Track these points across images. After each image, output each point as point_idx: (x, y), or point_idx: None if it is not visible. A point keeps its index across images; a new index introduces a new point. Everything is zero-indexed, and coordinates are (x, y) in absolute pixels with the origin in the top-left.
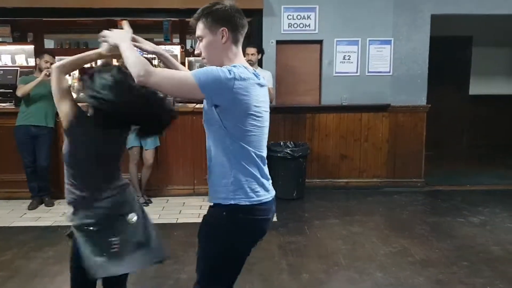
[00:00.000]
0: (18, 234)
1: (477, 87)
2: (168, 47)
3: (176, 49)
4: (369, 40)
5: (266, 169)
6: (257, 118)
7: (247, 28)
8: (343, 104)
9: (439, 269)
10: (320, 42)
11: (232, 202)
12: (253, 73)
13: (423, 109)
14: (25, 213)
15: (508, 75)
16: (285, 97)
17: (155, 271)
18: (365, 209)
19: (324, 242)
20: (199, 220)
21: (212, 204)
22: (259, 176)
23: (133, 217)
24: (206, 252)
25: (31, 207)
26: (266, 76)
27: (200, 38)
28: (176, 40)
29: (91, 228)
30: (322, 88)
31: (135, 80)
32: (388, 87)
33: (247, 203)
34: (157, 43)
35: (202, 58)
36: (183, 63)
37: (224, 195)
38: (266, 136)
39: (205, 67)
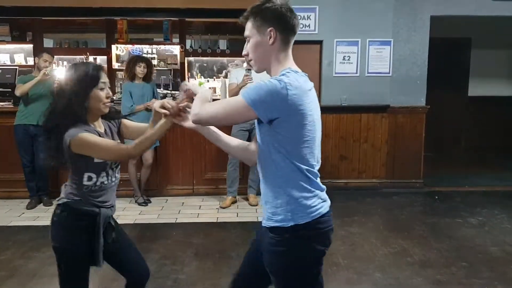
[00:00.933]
0: (17, 233)
1: (476, 89)
2: (167, 47)
3: (176, 49)
4: (369, 41)
5: (319, 180)
6: (311, 129)
7: (299, 27)
8: (343, 104)
9: (438, 270)
10: (320, 42)
11: (292, 223)
12: (305, 76)
13: (422, 110)
14: (24, 213)
15: (506, 77)
16: None
17: (154, 272)
18: (364, 209)
19: None
20: (198, 220)
21: (268, 226)
22: (313, 189)
23: None
24: (286, 282)
25: (30, 207)
26: (267, 76)
27: (248, 38)
28: (176, 40)
29: None
30: (321, 89)
31: (192, 119)
32: (387, 88)
33: (308, 220)
34: (157, 43)
35: (249, 60)
36: (182, 63)
37: (282, 217)
38: (319, 145)
39: (253, 85)
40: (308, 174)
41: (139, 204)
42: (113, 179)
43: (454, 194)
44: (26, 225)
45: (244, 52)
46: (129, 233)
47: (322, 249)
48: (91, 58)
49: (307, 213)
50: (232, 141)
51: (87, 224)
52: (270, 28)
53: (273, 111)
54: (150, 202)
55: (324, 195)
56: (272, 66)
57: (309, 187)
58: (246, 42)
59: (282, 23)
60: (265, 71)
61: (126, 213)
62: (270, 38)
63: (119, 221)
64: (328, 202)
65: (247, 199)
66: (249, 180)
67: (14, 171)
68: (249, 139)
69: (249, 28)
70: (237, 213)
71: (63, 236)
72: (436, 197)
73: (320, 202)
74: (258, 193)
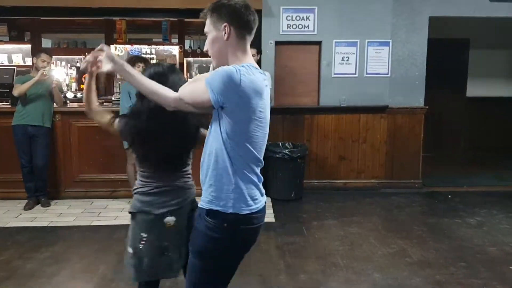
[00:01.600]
0: (15, 234)
1: (474, 89)
2: (166, 47)
3: (175, 49)
4: (368, 42)
5: (260, 178)
6: (260, 124)
7: (256, 24)
8: (342, 105)
9: (437, 270)
10: (319, 43)
11: (231, 210)
12: (263, 74)
13: (421, 111)
14: (21, 214)
15: (505, 78)
16: (283, 98)
17: None
18: (363, 210)
19: (322, 242)
20: None
21: (205, 207)
22: (257, 181)
23: (170, 220)
24: (202, 266)
25: (27, 208)
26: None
27: (206, 34)
28: (175, 40)
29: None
30: (320, 89)
31: (170, 106)
32: (386, 89)
33: (247, 212)
34: (156, 43)
35: (209, 56)
36: (181, 63)
37: (224, 202)
38: (265, 141)
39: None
40: (255, 167)
41: None
42: None
43: (453, 194)
44: (24, 226)
45: (205, 48)
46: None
47: (248, 245)
48: None
49: (248, 205)
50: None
51: None
52: (224, 24)
53: (224, 95)
54: None
55: (262, 188)
56: (230, 61)
57: (255, 180)
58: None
59: (237, 19)
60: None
61: (125, 213)
62: (224, 33)
63: (118, 222)
64: (265, 196)
65: None
66: None
67: (12, 171)
68: None
69: (207, 24)
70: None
71: None
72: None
73: (260, 196)
74: None
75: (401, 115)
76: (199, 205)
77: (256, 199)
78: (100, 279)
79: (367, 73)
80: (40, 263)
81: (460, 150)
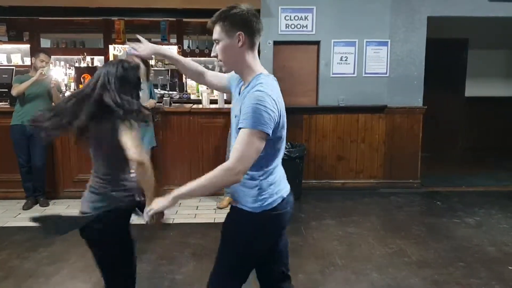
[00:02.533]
0: (13, 234)
1: (472, 89)
2: (165, 47)
3: (174, 49)
4: (366, 42)
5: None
6: (283, 128)
7: (263, 31)
8: (340, 105)
9: (435, 270)
10: (317, 43)
11: (259, 204)
12: (275, 79)
13: (420, 111)
14: (20, 213)
15: (503, 77)
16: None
17: (151, 272)
18: (362, 210)
19: (321, 242)
20: (195, 220)
21: (237, 206)
22: (280, 176)
23: None
24: (233, 248)
25: (26, 207)
26: None
27: (217, 41)
28: (174, 40)
29: None
30: (319, 89)
31: (233, 179)
32: (384, 89)
33: (274, 205)
34: (155, 43)
35: (219, 61)
36: None
37: (251, 199)
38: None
39: (250, 109)
40: (279, 164)
41: None
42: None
43: (452, 194)
44: (22, 226)
45: (213, 54)
46: None
47: (275, 233)
48: (88, 58)
49: (273, 197)
50: (189, 65)
51: None
52: (239, 32)
53: (273, 122)
54: None
55: (285, 178)
56: (244, 68)
57: (277, 177)
58: (215, 45)
59: (249, 28)
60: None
61: None
62: (239, 41)
63: None
64: (288, 185)
65: None
66: None
67: (11, 171)
68: None
69: (218, 32)
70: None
71: None
72: (435, 201)
73: (284, 185)
74: None
75: (399, 115)
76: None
77: (280, 191)
78: (98, 279)
79: (365, 73)
80: (38, 262)
81: (458, 150)
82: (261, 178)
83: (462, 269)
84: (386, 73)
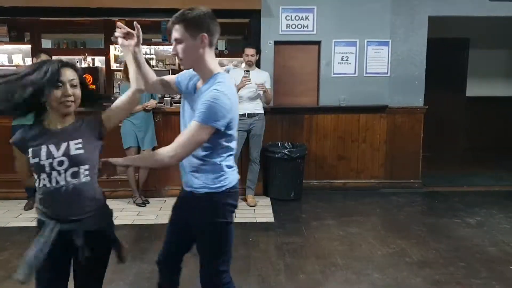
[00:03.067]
0: (14, 234)
1: (474, 89)
2: (166, 47)
3: None
4: (367, 41)
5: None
6: (234, 129)
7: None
8: (341, 105)
9: (436, 270)
10: (318, 43)
11: (218, 185)
12: (231, 78)
13: (421, 111)
14: (21, 214)
15: (504, 77)
16: (282, 98)
17: (151, 272)
18: (363, 210)
19: (322, 243)
20: None
21: (198, 192)
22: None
23: None
24: (216, 237)
25: (27, 208)
26: (264, 77)
27: (178, 41)
28: None
29: None
30: (320, 89)
31: (166, 163)
32: (386, 88)
33: (231, 185)
34: (155, 44)
35: (180, 60)
36: None
37: (212, 183)
38: None
39: (205, 105)
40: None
41: (137, 205)
42: (62, 183)
43: (452, 194)
44: (23, 226)
45: (172, 52)
46: (127, 234)
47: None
48: (89, 59)
49: (230, 180)
50: (150, 75)
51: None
52: (202, 34)
53: (228, 120)
54: (149, 202)
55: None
56: (203, 67)
57: (231, 163)
58: (175, 44)
59: (209, 29)
60: (258, 71)
61: (124, 213)
62: (201, 42)
63: (117, 222)
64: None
65: (245, 200)
66: (247, 180)
67: (12, 171)
68: (247, 140)
69: (181, 32)
70: (235, 213)
71: None
72: (436, 201)
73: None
74: (256, 194)
75: (400, 115)
76: (198, 191)
77: (233, 175)
78: None
79: (366, 73)
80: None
81: (460, 150)
82: (222, 162)
83: (463, 269)
84: (387, 73)
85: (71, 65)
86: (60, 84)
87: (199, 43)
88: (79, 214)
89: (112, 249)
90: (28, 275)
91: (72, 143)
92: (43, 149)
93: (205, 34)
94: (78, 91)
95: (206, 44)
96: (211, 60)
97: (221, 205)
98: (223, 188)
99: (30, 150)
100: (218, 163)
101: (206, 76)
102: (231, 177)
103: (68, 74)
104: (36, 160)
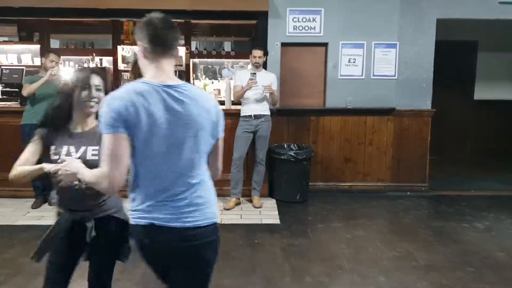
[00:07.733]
0: (22, 232)
1: (482, 92)
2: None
3: (181, 51)
4: (375, 44)
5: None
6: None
7: (172, 37)
8: (348, 107)
9: (443, 274)
10: (325, 44)
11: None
12: (149, 84)
13: (428, 113)
14: (29, 212)
15: None
16: (289, 100)
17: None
18: (369, 213)
19: (327, 245)
20: None
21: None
22: None
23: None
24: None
25: (35, 206)
26: (271, 78)
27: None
28: (181, 41)
29: None
30: (326, 91)
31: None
32: (393, 91)
33: None
34: None
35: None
36: (187, 65)
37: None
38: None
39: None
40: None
41: None
42: (76, 181)
43: (460, 198)
44: (31, 224)
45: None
46: None
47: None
48: (97, 59)
49: None
50: None
51: None
52: (139, 43)
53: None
54: None
55: None
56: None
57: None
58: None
59: (148, 37)
60: (265, 72)
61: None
62: (141, 52)
63: None
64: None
65: (251, 201)
66: (253, 182)
67: None
68: (253, 142)
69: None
70: (241, 215)
71: None
72: (443, 204)
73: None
74: (262, 195)
75: (408, 118)
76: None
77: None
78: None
79: (373, 75)
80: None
81: (467, 153)
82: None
83: (471, 273)
84: (394, 76)
85: (99, 73)
86: (87, 87)
87: (141, 54)
88: (91, 206)
89: (122, 240)
90: (41, 256)
91: (90, 148)
92: (64, 148)
93: (142, 44)
94: (102, 94)
95: (144, 54)
96: (151, 72)
97: None
98: None
99: (52, 147)
100: None
101: None
102: None
103: (95, 80)
104: (57, 157)
